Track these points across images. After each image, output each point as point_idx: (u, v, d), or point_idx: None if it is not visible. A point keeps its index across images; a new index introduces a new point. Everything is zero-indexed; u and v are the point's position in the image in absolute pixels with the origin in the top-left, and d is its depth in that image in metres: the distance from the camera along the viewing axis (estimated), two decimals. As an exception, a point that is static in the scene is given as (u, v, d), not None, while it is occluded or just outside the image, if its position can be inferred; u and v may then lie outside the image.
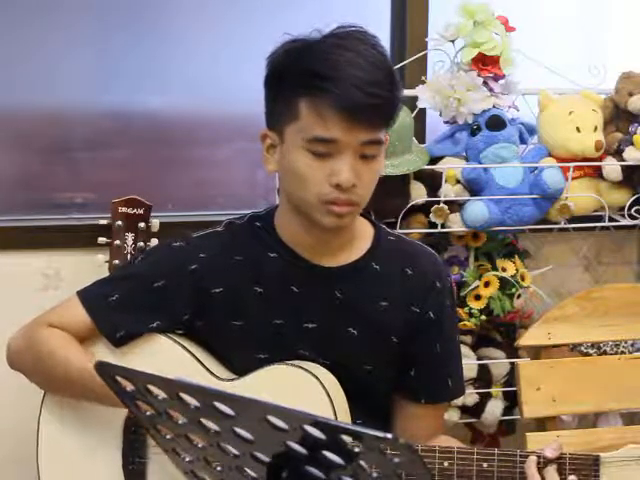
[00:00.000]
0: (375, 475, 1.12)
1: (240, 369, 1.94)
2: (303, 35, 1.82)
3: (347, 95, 1.73)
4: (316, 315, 1.93)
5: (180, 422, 1.26)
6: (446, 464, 1.84)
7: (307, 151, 1.78)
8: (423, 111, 2.69)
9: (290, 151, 1.81)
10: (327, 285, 1.93)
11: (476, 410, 2.65)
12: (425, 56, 2.67)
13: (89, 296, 1.96)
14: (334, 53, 1.76)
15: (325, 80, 1.74)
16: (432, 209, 2.54)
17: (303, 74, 1.77)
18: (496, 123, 2.55)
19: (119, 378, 1.27)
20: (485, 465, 1.84)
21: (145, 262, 1.99)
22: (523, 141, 2.67)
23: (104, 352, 1.95)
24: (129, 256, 2.38)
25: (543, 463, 1.82)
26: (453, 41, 2.57)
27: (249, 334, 1.93)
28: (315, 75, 1.75)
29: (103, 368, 1.27)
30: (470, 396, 2.62)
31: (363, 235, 1.97)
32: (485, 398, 2.65)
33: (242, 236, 1.96)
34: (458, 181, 2.56)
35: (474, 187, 2.57)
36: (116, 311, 1.93)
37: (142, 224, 2.40)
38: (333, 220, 1.81)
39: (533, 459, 1.82)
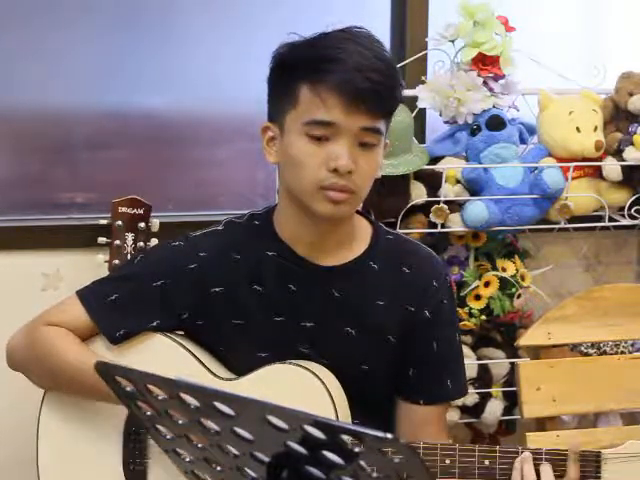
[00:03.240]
0: (375, 475, 1.12)
1: (240, 368, 1.94)
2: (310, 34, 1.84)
3: (348, 78, 1.75)
4: (314, 314, 1.93)
5: (180, 422, 1.26)
6: (448, 461, 1.84)
7: (305, 135, 1.79)
8: (423, 111, 2.68)
9: (288, 138, 1.82)
10: (325, 284, 1.93)
11: (476, 410, 2.66)
12: (425, 56, 2.67)
13: (89, 296, 1.97)
14: (338, 42, 1.79)
15: (326, 63, 1.76)
16: (432, 209, 2.54)
17: (305, 60, 1.79)
18: (496, 123, 2.55)
19: (119, 378, 1.26)
20: (487, 462, 1.84)
21: (144, 262, 1.99)
22: (523, 141, 2.67)
23: (103, 351, 1.95)
24: (129, 256, 2.37)
25: (543, 460, 1.83)
26: (453, 41, 2.57)
27: (248, 333, 1.93)
28: (317, 59, 1.77)
29: (103, 368, 1.27)
30: (470, 396, 2.62)
31: (361, 234, 1.97)
32: (485, 398, 2.65)
33: (241, 235, 1.96)
34: (458, 181, 2.56)
35: (474, 187, 2.57)
36: (116, 311, 1.94)
37: (142, 224, 2.40)
38: (329, 207, 1.81)
39: (528, 455, 1.82)
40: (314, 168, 1.79)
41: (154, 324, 1.95)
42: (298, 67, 1.80)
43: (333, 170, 1.78)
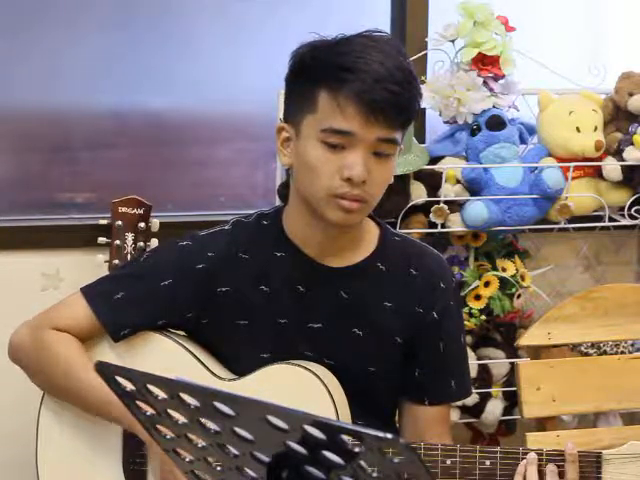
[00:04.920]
0: (375, 475, 1.12)
1: (242, 369, 1.94)
2: (330, 35, 1.83)
3: (368, 88, 1.74)
4: (321, 315, 1.93)
5: (180, 422, 1.26)
6: (449, 462, 1.84)
7: (321, 142, 1.79)
8: (423, 111, 2.68)
9: (304, 143, 1.81)
10: (333, 285, 1.93)
11: (476, 410, 2.66)
12: (425, 56, 2.67)
13: (94, 294, 1.96)
14: (360, 49, 1.78)
15: (348, 72, 1.75)
16: (432, 209, 2.54)
17: (327, 66, 1.78)
18: (496, 123, 2.56)
19: (119, 378, 1.26)
20: (488, 463, 1.84)
21: (152, 261, 1.99)
22: (523, 141, 2.67)
23: (106, 351, 1.95)
24: (129, 256, 2.37)
25: (545, 461, 1.83)
26: (453, 41, 2.57)
27: (253, 333, 1.93)
28: (338, 67, 1.76)
29: (103, 368, 1.27)
30: (470, 396, 2.62)
31: (369, 235, 1.97)
32: (485, 398, 2.66)
33: (249, 235, 1.96)
34: (458, 181, 2.56)
35: (474, 187, 2.57)
36: (122, 309, 1.93)
37: (142, 224, 2.40)
38: (341, 215, 1.81)
39: (533, 456, 1.82)
40: (328, 176, 1.79)
41: (159, 323, 1.95)
42: (318, 72, 1.79)
43: (347, 179, 1.78)
